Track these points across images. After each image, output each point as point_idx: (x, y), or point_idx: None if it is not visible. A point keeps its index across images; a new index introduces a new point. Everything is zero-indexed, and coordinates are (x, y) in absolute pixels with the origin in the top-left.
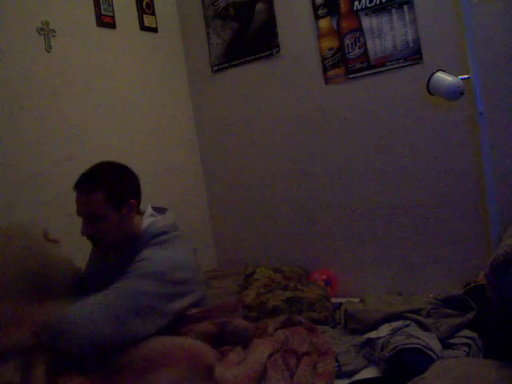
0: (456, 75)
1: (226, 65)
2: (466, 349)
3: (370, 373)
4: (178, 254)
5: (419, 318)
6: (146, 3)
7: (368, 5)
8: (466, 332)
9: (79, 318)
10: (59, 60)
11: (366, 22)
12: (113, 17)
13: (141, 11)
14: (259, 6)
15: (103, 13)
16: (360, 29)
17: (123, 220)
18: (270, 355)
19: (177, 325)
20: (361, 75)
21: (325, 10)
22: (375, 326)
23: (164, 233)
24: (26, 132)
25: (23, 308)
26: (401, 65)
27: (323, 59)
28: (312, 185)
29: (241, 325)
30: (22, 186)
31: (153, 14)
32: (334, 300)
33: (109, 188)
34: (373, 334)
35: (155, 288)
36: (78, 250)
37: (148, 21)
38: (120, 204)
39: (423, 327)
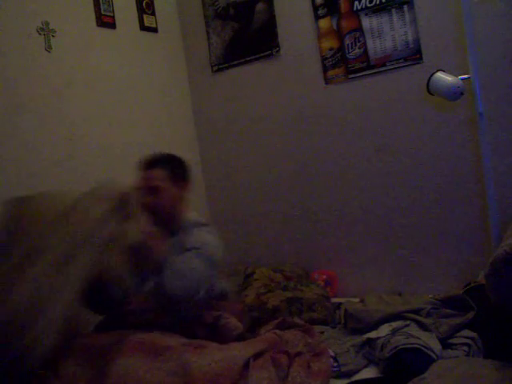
0: (456, 75)
1: (226, 65)
2: (466, 349)
3: (369, 373)
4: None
5: (419, 318)
6: (146, 3)
7: (368, 5)
8: (466, 332)
9: (185, 266)
10: (59, 60)
11: (366, 22)
12: (113, 17)
13: (141, 11)
14: (259, 6)
15: (103, 13)
16: (360, 29)
17: (177, 198)
18: (258, 355)
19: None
20: (361, 75)
21: (325, 10)
22: (375, 326)
23: (206, 225)
24: (26, 132)
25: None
26: (401, 65)
27: (323, 59)
28: (312, 184)
29: (231, 323)
30: (22, 186)
31: (153, 14)
32: (333, 300)
33: (172, 168)
34: (372, 334)
35: (211, 269)
36: None
37: (148, 21)
38: (178, 183)
39: (423, 327)
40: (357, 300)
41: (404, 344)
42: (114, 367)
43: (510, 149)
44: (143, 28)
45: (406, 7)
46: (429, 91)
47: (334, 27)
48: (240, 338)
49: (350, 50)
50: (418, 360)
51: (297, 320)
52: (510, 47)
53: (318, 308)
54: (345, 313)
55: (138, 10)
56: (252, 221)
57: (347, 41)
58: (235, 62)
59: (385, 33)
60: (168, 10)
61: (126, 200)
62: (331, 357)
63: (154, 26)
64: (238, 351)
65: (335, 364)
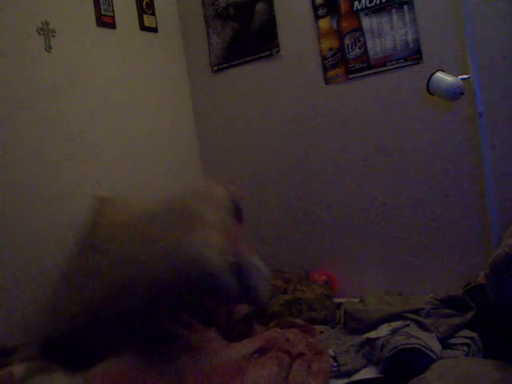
0: (456, 75)
1: (226, 65)
2: (466, 349)
3: (369, 373)
4: None
5: (419, 318)
6: (146, 3)
7: (368, 5)
8: (466, 332)
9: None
10: (59, 60)
11: (366, 22)
12: (113, 17)
13: (141, 11)
14: (259, 6)
15: (103, 13)
16: (360, 29)
17: (236, 231)
18: (261, 353)
19: None
20: (361, 75)
21: (325, 10)
22: (375, 325)
23: None
24: (26, 132)
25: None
26: (401, 65)
27: (323, 59)
28: (312, 185)
29: (240, 308)
30: (22, 186)
31: (153, 14)
32: (333, 300)
33: (236, 207)
34: (372, 334)
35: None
36: None
37: (148, 21)
38: (237, 219)
39: (423, 327)
40: (357, 300)
41: (404, 344)
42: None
43: (510, 149)
44: (143, 28)
45: (406, 7)
46: (429, 91)
47: (334, 27)
48: (247, 318)
49: (350, 50)
50: (418, 360)
51: (297, 320)
52: (510, 47)
53: (318, 307)
54: (344, 313)
55: (137, 10)
56: (251, 221)
57: (347, 41)
58: (235, 62)
59: (385, 33)
60: (168, 10)
61: (235, 200)
62: (331, 356)
63: (154, 26)
64: (234, 349)
65: (335, 364)
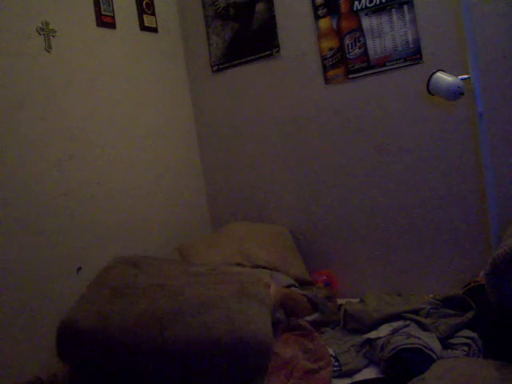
0: (456, 75)
1: (226, 65)
2: (466, 349)
3: (370, 373)
4: None
5: (419, 318)
6: (146, 3)
7: (368, 5)
8: (466, 332)
9: None
10: (59, 60)
11: (366, 22)
12: (113, 17)
13: (141, 11)
14: (259, 6)
15: (103, 13)
16: (360, 29)
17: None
18: None
19: None
20: (361, 75)
21: (325, 10)
22: (375, 326)
23: None
24: (26, 132)
25: None
26: (401, 65)
27: (323, 59)
28: (312, 185)
29: None
30: (22, 186)
31: (153, 14)
32: (336, 300)
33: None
34: (373, 335)
35: None
36: (78, 248)
37: (148, 21)
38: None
39: (423, 327)
40: (357, 300)
41: (404, 344)
42: None
43: (510, 149)
44: (143, 28)
45: (405, 7)
46: (429, 91)
47: (334, 27)
48: None
49: (350, 50)
50: (419, 360)
51: (301, 321)
52: (510, 47)
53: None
54: (344, 313)
55: (137, 10)
56: (252, 221)
57: (347, 41)
58: (235, 62)
59: (385, 33)
60: (168, 10)
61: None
62: (332, 356)
63: (153, 26)
64: None
65: (336, 364)
